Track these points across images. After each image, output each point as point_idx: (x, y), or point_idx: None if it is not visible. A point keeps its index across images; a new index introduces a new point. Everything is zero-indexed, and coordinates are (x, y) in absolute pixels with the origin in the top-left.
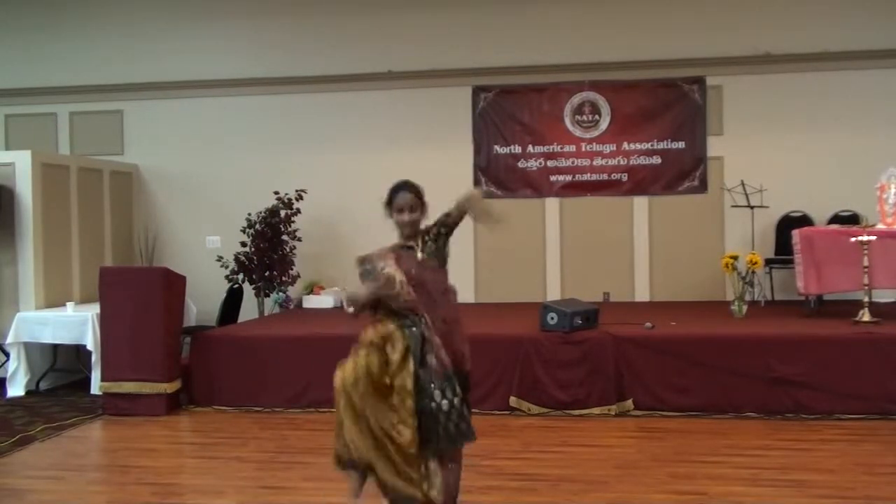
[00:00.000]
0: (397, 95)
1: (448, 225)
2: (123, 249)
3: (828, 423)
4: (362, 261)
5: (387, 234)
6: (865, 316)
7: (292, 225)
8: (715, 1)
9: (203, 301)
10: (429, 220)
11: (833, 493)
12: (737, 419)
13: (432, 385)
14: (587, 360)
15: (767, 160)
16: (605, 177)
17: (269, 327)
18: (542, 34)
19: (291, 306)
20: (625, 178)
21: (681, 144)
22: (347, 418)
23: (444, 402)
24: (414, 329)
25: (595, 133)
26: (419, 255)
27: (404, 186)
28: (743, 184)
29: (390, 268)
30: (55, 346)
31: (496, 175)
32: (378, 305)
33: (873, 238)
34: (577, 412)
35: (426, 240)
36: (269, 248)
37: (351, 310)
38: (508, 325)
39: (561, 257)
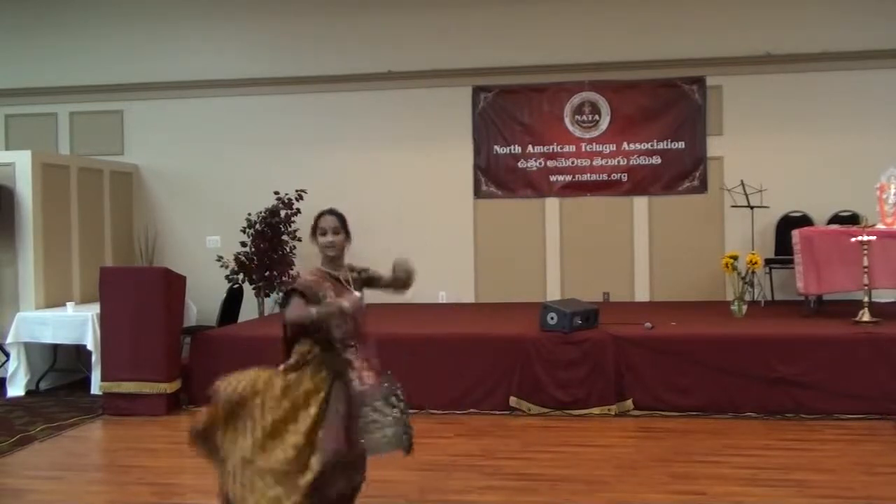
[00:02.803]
0: (397, 95)
1: (372, 280)
2: (123, 249)
3: (828, 423)
4: (303, 287)
5: (385, 233)
6: (865, 316)
7: (292, 225)
8: (715, 1)
9: (203, 301)
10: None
11: (833, 493)
12: (737, 419)
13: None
14: (587, 360)
15: (767, 160)
16: (604, 177)
17: (269, 327)
18: (542, 34)
19: None
20: (625, 178)
21: (681, 144)
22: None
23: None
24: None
25: (595, 133)
26: (356, 293)
27: (328, 211)
28: (743, 184)
29: (331, 295)
30: (55, 346)
31: (496, 175)
32: (311, 330)
33: (873, 238)
34: (577, 412)
35: (354, 278)
36: (269, 248)
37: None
38: (508, 325)
39: (561, 257)
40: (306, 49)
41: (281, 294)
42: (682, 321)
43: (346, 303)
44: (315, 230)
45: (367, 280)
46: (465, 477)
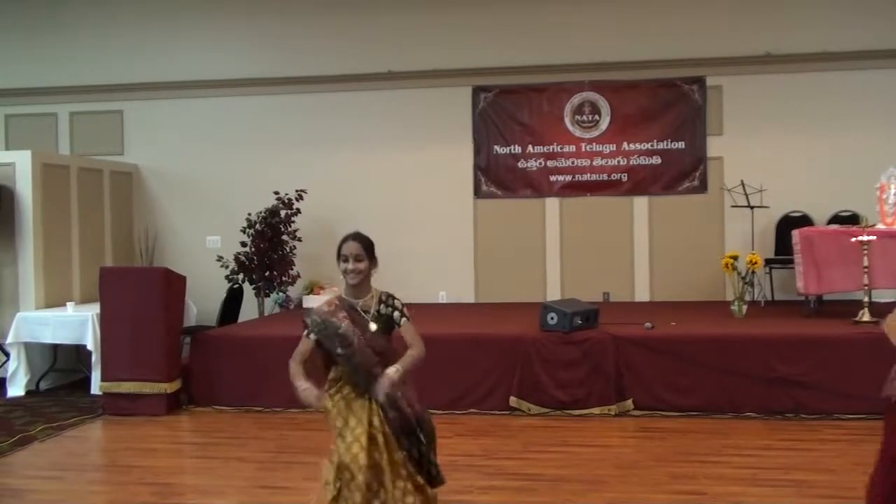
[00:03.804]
0: (397, 95)
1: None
2: (123, 249)
3: (828, 423)
4: (311, 315)
5: (385, 233)
6: (865, 316)
7: (292, 225)
8: (715, 1)
9: (203, 301)
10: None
11: (833, 493)
12: (737, 419)
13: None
14: (587, 360)
15: (767, 160)
16: (604, 177)
17: (269, 327)
18: (542, 34)
19: (291, 306)
20: (625, 178)
21: (681, 144)
22: None
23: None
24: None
25: (595, 133)
26: (372, 325)
27: (352, 236)
28: (743, 184)
29: (345, 326)
30: (55, 346)
31: (496, 175)
32: (332, 363)
33: (873, 238)
34: (577, 412)
35: (380, 310)
36: (269, 248)
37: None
38: (508, 325)
39: (561, 257)
40: (306, 49)
41: (282, 294)
42: (682, 321)
43: (355, 336)
44: (338, 256)
45: (388, 321)
46: (465, 477)
